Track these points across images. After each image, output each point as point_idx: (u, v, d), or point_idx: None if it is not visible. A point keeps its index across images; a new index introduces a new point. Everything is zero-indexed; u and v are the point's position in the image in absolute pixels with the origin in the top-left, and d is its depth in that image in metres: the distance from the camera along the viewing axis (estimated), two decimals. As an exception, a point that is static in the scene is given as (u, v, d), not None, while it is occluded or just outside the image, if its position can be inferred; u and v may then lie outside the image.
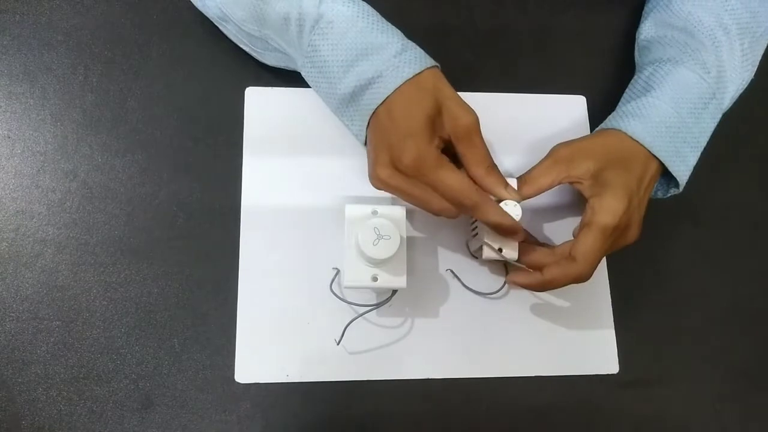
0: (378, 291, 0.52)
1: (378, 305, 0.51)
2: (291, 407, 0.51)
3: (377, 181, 0.47)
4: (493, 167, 0.47)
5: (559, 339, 0.54)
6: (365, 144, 0.50)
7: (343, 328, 0.50)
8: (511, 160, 0.57)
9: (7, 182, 0.52)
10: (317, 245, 0.53)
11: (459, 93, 0.57)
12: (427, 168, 0.44)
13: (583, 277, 0.47)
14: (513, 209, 0.48)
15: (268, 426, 0.50)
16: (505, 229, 0.47)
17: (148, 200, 0.53)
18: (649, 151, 0.49)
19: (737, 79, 0.53)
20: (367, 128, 0.48)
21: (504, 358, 0.53)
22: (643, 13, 0.60)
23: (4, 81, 0.54)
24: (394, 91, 0.45)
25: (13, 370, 0.49)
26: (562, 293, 0.54)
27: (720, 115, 0.53)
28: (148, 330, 0.51)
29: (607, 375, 0.54)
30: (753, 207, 0.61)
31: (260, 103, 0.56)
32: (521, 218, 0.48)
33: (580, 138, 0.51)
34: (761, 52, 0.54)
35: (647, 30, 0.58)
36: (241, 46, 0.54)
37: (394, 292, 0.51)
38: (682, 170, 0.51)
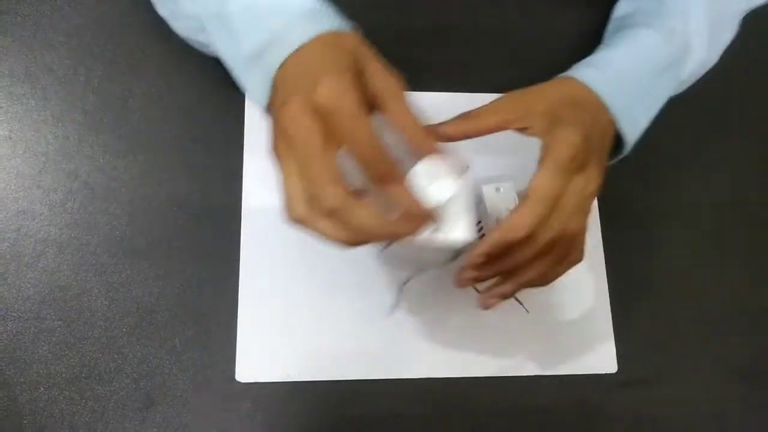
0: (438, 252, 0.45)
1: (440, 265, 0.45)
2: (292, 407, 0.51)
3: (282, 116, 0.38)
4: (426, 128, 0.40)
5: (557, 338, 0.54)
6: (267, 110, 0.42)
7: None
8: (510, 160, 0.57)
9: (8, 183, 0.53)
10: (318, 245, 0.53)
11: (459, 93, 0.58)
12: (348, 105, 0.37)
13: (537, 217, 0.41)
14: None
15: (268, 425, 0.50)
16: (412, 216, 0.39)
17: (149, 200, 0.53)
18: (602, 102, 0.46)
19: (700, 54, 0.51)
20: (271, 89, 0.41)
21: (503, 358, 0.53)
22: None
23: (5, 82, 0.54)
24: (308, 42, 0.39)
25: (14, 369, 0.49)
26: (561, 293, 0.54)
27: (675, 85, 0.51)
28: (149, 330, 0.51)
29: (606, 374, 0.54)
30: (752, 207, 0.61)
31: (261, 104, 0.56)
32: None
33: (532, 86, 0.47)
34: (725, 40, 0.53)
35: (621, 8, 0.57)
36: (159, 10, 0.50)
37: (458, 253, 0.44)
38: (631, 131, 0.48)
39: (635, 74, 0.48)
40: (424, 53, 0.59)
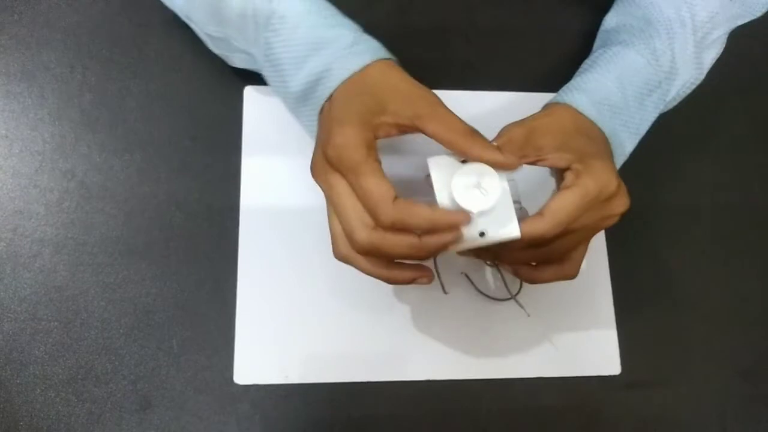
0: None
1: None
2: (290, 409, 0.50)
3: (311, 172, 0.43)
4: (474, 133, 0.41)
5: (560, 340, 0.54)
6: None
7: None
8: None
9: (4, 182, 0.52)
10: (316, 245, 0.53)
11: (458, 92, 0.57)
12: (348, 160, 0.39)
13: (547, 236, 0.41)
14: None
15: (267, 427, 0.50)
16: (447, 226, 0.39)
17: (146, 200, 0.53)
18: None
19: (686, 74, 0.51)
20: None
21: (505, 360, 0.53)
22: (613, 5, 0.59)
23: (1, 80, 0.54)
24: (340, 84, 0.43)
25: (11, 371, 0.49)
26: (564, 294, 0.54)
27: (662, 108, 0.51)
28: (147, 331, 0.51)
29: (609, 376, 0.54)
30: (754, 207, 0.60)
31: (259, 102, 0.55)
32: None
33: (528, 117, 0.47)
34: (712, 57, 0.53)
35: (609, 20, 0.57)
36: (209, 47, 0.53)
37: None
38: (618, 155, 0.48)
39: (622, 99, 0.48)
40: (424, 53, 0.59)
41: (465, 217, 0.40)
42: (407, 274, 0.43)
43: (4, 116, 0.53)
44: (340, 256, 0.43)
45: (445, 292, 0.52)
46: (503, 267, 0.52)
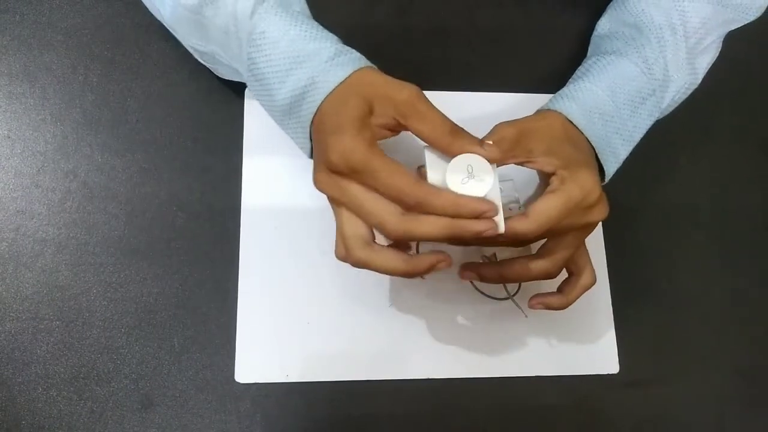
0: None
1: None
2: (291, 407, 0.51)
3: (316, 186, 0.44)
4: (457, 129, 0.42)
5: (559, 339, 0.54)
6: (311, 156, 0.48)
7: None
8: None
9: (7, 182, 0.52)
10: (317, 245, 0.53)
11: (458, 93, 0.58)
12: (357, 161, 0.40)
13: (528, 236, 0.43)
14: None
15: (268, 426, 0.50)
16: (471, 213, 0.41)
17: (148, 200, 0.53)
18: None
19: (680, 80, 0.52)
20: (311, 139, 0.46)
21: (504, 358, 0.53)
22: (605, 10, 0.60)
23: (4, 81, 0.54)
24: (326, 96, 0.43)
25: (13, 369, 0.49)
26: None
27: (657, 114, 0.52)
28: (148, 330, 0.51)
29: (608, 375, 0.54)
30: (753, 207, 0.61)
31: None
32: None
33: (520, 119, 0.47)
34: (707, 63, 0.53)
35: (602, 26, 0.58)
36: (197, 58, 0.53)
37: None
38: (611, 161, 0.49)
39: (614, 107, 0.49)
40: (424, 53, 0.59)
41: (492, 207, 0.41)
42: (426, 261, 0.43)
43: (6, 117, 0.54)
44: (355, 260, 0.43)
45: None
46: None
